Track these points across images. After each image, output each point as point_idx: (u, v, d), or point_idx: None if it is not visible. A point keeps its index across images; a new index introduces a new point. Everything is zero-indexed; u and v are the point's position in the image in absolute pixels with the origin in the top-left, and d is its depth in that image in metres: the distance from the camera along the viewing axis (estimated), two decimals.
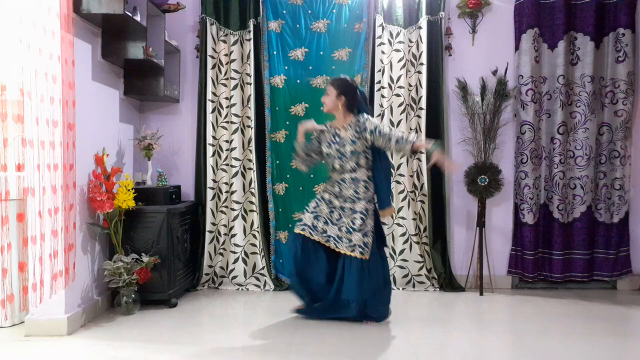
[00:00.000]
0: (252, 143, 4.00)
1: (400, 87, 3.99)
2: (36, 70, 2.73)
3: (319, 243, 3.17)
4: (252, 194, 4.03)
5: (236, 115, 4.02)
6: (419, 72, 3.96)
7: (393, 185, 3.99)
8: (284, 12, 4.06)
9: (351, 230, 3.09)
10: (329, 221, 3.17)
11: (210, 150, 4.02)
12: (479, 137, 3.93)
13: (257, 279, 4.03)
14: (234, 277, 4.03)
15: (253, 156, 4.00)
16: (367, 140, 3.13)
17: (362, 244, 3.07)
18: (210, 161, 4.02)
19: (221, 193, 4.04)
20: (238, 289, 4.01)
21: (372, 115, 3.45)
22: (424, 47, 3.94)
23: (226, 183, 4.04)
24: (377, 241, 3.19)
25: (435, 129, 3.99)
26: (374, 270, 3.12)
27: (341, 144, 3.16)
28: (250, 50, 3.97)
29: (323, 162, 3.36)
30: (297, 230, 3.19)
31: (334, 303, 3.16)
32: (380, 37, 3.97)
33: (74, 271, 2.97)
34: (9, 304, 3.10)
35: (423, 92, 3.95)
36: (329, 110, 3.22)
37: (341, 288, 3.11)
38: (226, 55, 4.01)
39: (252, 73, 3.97)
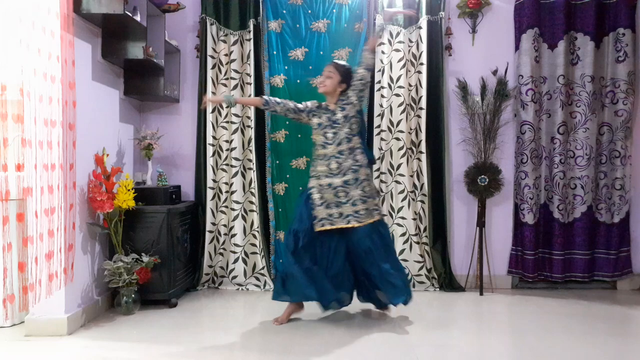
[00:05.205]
0: (252, 143, 4.00)
1: (400, 87, 3.98)
2: (35, 70, 2.73)
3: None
4: (252, 194, 4.03)
5: (236, 115, 4.02)
6: (419, 72, 3.96)
7: (393, 185, 4.00)
8: (284, 12, 4.06)
9: (364, 199, 3.16)
10: (340, 203, 3.17)
11: (210, 150, 4.02)
12: (479, 137, 3.93)
13: (257, 279, 4.03)
14: (234, 277, 4.03)
15: (253, 156, 4.00)
16: (352, 97, 3.19)
17: (376, 206, 3.23)
18: (210, 161, 4.02)
19: (221, 193, 4.04)
20: (238, 289, 4.01)
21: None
22: (424, 47, 3.94)
23: (226, 183, 4.04)
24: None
25: (435, 129, 3.99)
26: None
27: (333, 112, 3.21)
28: (250, 50, 3.97)
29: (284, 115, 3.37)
30: (318, 228, 3.18)
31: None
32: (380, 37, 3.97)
33: (72, 271, 2.97)
34: (9, 304, 3.10)
35: (423, 92, 3.95)
36: (326, 92, 3.25)
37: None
38: (226, 55, 4.01)
39: (252, 73, 3.97)
